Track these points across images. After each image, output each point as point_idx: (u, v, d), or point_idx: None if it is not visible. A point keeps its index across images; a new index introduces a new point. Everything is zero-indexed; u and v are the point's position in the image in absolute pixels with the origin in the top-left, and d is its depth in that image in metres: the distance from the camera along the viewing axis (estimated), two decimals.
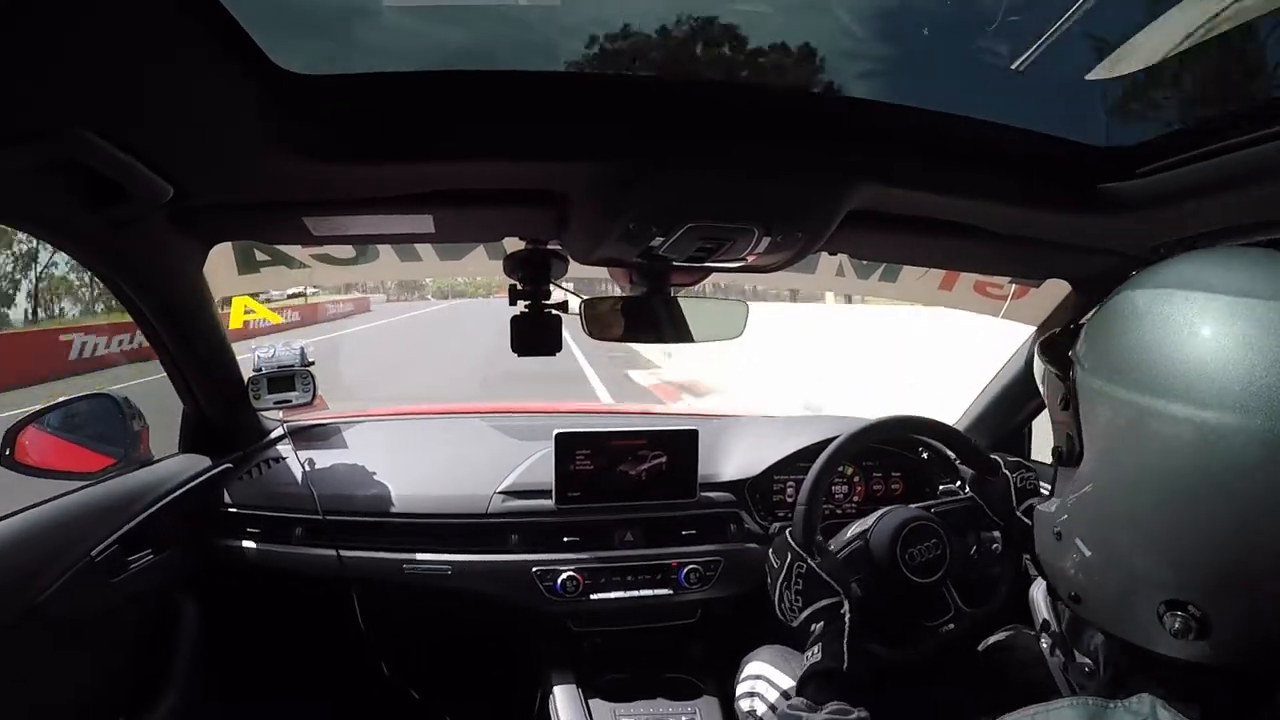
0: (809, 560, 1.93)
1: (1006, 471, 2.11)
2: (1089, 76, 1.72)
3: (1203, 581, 1.08)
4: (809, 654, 1.83)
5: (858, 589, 1.94)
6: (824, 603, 1.87)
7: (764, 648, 2.30)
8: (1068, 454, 1.32)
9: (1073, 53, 1.67)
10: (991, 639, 1.86)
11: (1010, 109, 1.78)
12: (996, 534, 2.12)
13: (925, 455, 3.04)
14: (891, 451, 3.13)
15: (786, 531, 2.03)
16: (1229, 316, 1.07)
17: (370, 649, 2.91)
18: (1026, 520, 1.77)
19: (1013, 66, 1.64)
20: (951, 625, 2.04)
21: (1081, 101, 1.82)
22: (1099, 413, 1.21)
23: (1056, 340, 1.39)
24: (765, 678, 2.18)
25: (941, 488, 2.48)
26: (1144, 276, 1.23)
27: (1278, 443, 0.99)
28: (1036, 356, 1.43)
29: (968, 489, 2.18)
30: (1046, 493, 1.49)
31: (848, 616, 1.82)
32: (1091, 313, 1.30)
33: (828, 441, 2.17)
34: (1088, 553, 1.25)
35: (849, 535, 2.14)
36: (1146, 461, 1.11)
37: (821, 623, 1.86)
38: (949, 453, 2.28)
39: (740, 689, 2.24)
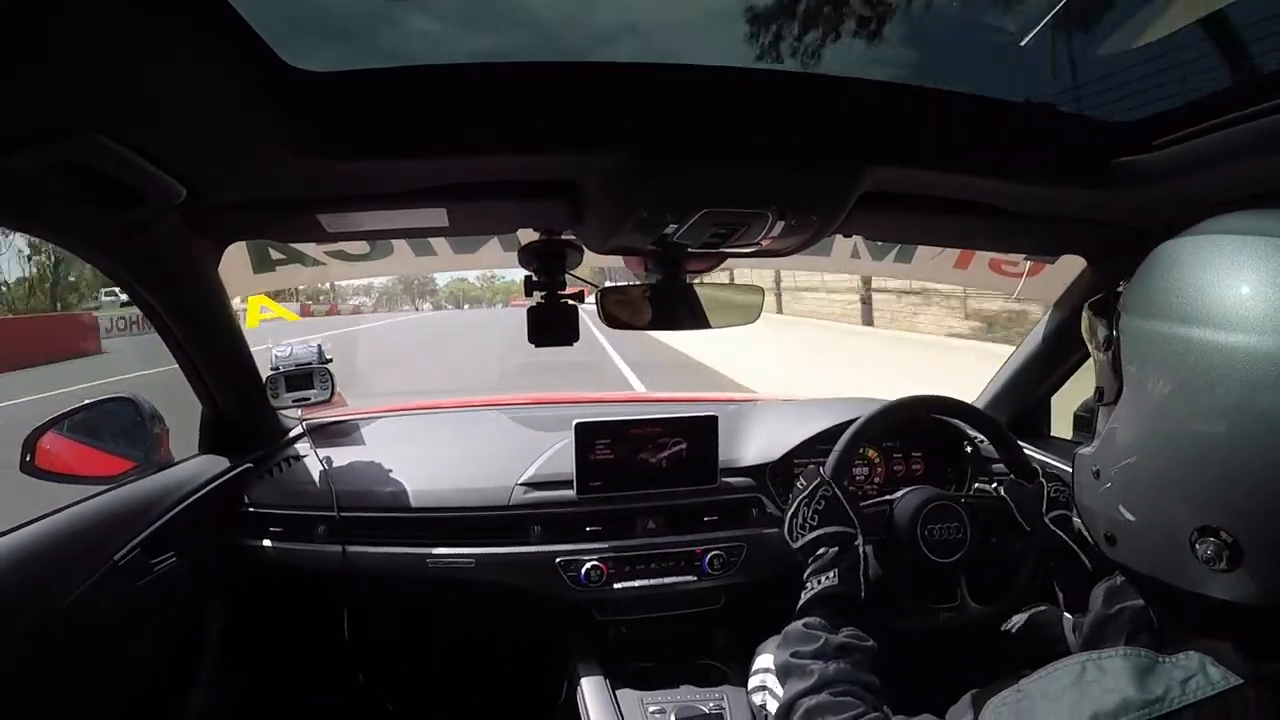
0: (836, 489, 1.97)
1: (1044, 480, 2.12)
2: (1100, 50, 1.71)
3: (1232, 504, 1.10)
4: (819, 579, 1.88)
5: (872, 544, 1.97)
6: (836, 529, 1.91)
7: (773, 638, 2.30)
8: (1108, 392, 1.34)
9: (1084, 27, 1.66)
10: (1016, 617, 1.86)
11: (1023, 86, 1.78)
12: (1020, 540, 2.12)
13: (970, 449, 3.03)
14: (911, 433, 3.13)
15: (818, 464, 2.06)
16: (1266, 253, 1.11)
17: (402, 642, 2.92)
18: (1055, 530, 1.77)
19: (1021, 43, 1.63)
20: (952, 614, 2.05)
21: (1094, 75, 1.81)
22: (1140, 347, 1.25)
23: (1104, 299, 1.41)
24: (774, 670, 2.19)
25: (976, 487, 2.48)
26: (1184, 233, 1.26)
27: None
28: (1085, 310, 1.45)
29: (1001, 490, 2.18)
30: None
31: (862, 549, 1.87)
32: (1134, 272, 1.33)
33: (847, 424, 2.17)
34: (1124, 486, 1.27)
35: (873, 503, 2.15)
36: (1182, 386, 1.15)
37: (826, 550, 1.90)
38: (993, 451, 2.29)
39: (751, 682, 2.23)
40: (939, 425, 3.02)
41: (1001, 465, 2.28)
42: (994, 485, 2.24)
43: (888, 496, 2.16)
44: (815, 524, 1.94)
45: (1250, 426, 1.07)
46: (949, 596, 2.08)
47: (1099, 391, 1.40)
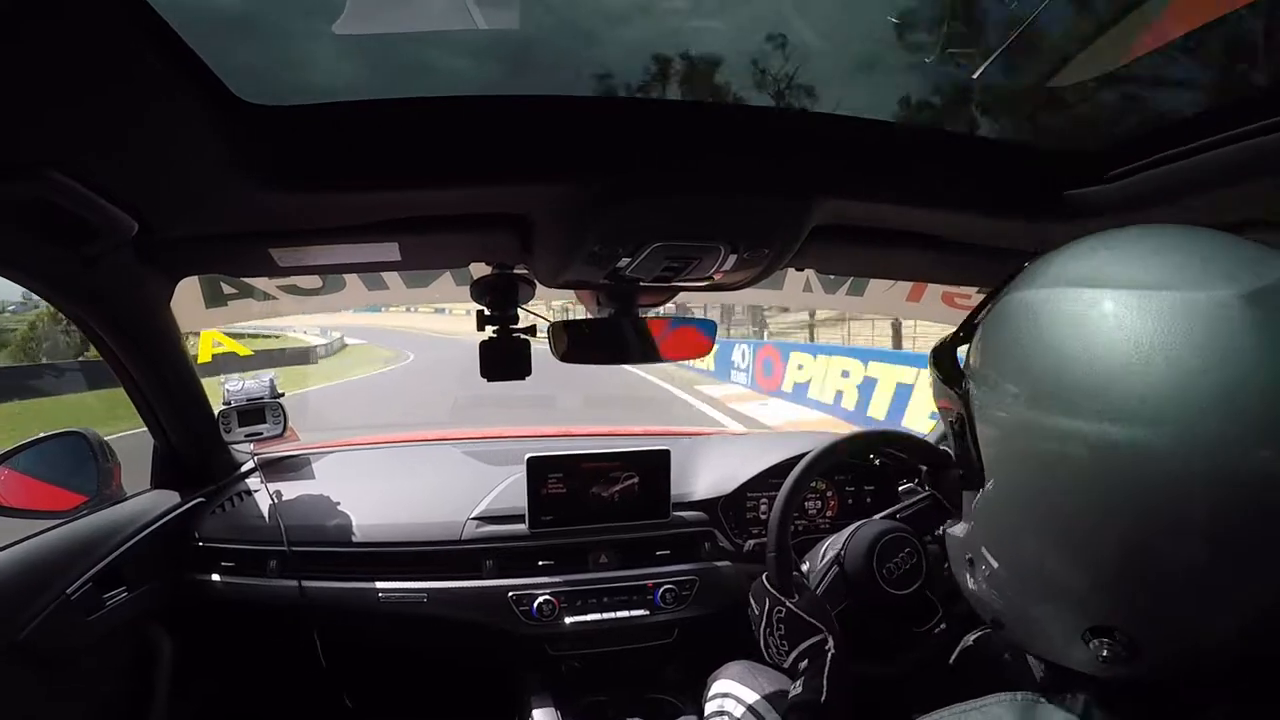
0: (786, 604, 1.94)
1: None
2: (1052, 83, 1.73)
3: (1127, 607, 1.03)
4: (794, 687, 1.85)
5: (840, 621, 1.94)
6: (808, 643, 1.88)
7: (730, 664, 2.30)
8: (969, 475, 1.25)
9: (1034, 60, 1.68)
10: (962, 644, 1.87)
11: (974, 119, 1.80)
12: None
13: (878, 461, 3.05)
14: (860, 464, 3.13)
15: (763, 576, 2.04)
16: (1120, 315, 0.98)
17: (341, 679, 2.90)
18: None
19: (973, 76, 1.65)
20: (942, 625, 2.05)
21: (1045, 108, 1.83)
22: (994, 431, 1.15)
23: (948, 347, 1.33)
24: (733, 695, 2.18)
25: (902, 488, 2.49)
26: (1036, 271, 1.16)
27: (1184, 457, 0.92)
28: (930, 367, 1.36)
29: (926, 486, 2.18)
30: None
31: (830, 653, 1.83)
32: (980, 314, 1.25)
33: (799, 458, 2.18)
34: (1002, 579, 1.20)
35: (822, 563, 2.14)
36: (1048, 484, 1.05)
37: (798, 663, 1.87)
38: (900, 455, 2.30)
39: (708, 708, 2.23)
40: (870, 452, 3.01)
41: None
42: (917, 481, 2.25)
43: (836, 550, 2.15)
44: (786, 649, 1.92)
45: (1132, 527, 0.97)
46: (930, 612, 2.08)
47: (958, 468, 1.30)
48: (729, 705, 2.15)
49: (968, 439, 1.23)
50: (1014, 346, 1.10)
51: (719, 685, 2.25)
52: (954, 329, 1.34)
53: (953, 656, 1.57)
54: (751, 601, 2.04)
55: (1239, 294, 0.93)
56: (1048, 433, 1.02)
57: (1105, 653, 1.04)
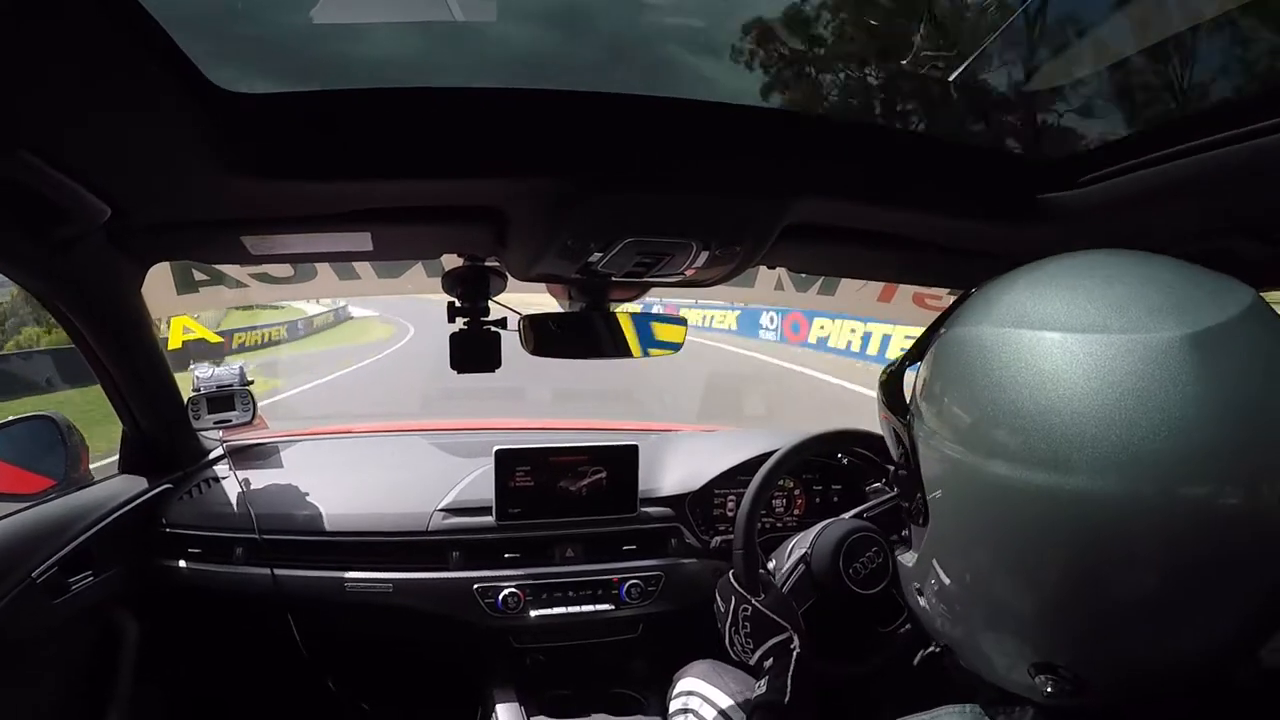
0: (753, 601, 1.95)
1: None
2: (1026, 89, 1.74)
3: (1071, 645, 1.04)
4: (758, 685, 1.85)
5: (806, 620, 1.94)
6: (773, 641, 1.88)
7: (695, 663, 2.31)
8: (914, 509, 1.25)
9: (1008, 65, 1.70)
10: (925, 651, 1.88)
11: (948, 122, 1.81)
12: None
13: (846, 460, 3.04)
14: (828, 462, 3.14)
15: (729, 574, 2.05)
16: (1064, 360, 0.97)
17: (315, 666, 2.89)
18: None
19: (950, 78, 1.66)
20: (908, 625, 2.06)
21: (1019, 113, 1.84)
22: (938, 469, 1.15)
23: (896, 375, 1.34)
24: (697, 693, 2.18)
25: (869, 488, 2.50)
26: (980, 304, 1.14)
27: (1128, 502, 0.92)
28: (878, 395, 1.36)
29: (894, 486, 2.18)
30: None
31: (795, 652, 1.84)
32: (926, 345, 1.24)
33: (766, 455, 2.18)
34: (950, 610, 1.20)
35: (789, 562, 2.14)
36: (991, 526, 1.05)
37: (771, 659, 1.87)
38: (868, 454, 2.30)
39: (672, 706, 2.24)
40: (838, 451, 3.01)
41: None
42: (885, 481, 2.26)
43: (802, 550, 2.14)
44: (752, 647, 1.93)
45: (1083, 570, 0.96)
46: (896, 612, 2.09)
47: (905, 510, 1.30)
48: (693, 703, 2.16)
49: (912, 472, 1.24)
50: (957, 386, 1.10)
51: (684, 683, 2.25)
52: (904, 353, 1.34)
53: (916, 659, 1.59)
54: (717, 598, 2.05)
55: (1186, 334, 0.93)
56: (988, 476, 1.03)
57: (1050, 688, 1.05)
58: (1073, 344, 0.97)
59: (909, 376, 1.32)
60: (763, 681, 1.85)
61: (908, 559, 1.33)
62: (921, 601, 1.28)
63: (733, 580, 2.02)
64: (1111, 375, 0.94)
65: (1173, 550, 0.93)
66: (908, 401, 1.27)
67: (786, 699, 1.78)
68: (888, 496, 2.22)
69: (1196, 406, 0.91)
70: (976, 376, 1.06)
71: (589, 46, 1.72)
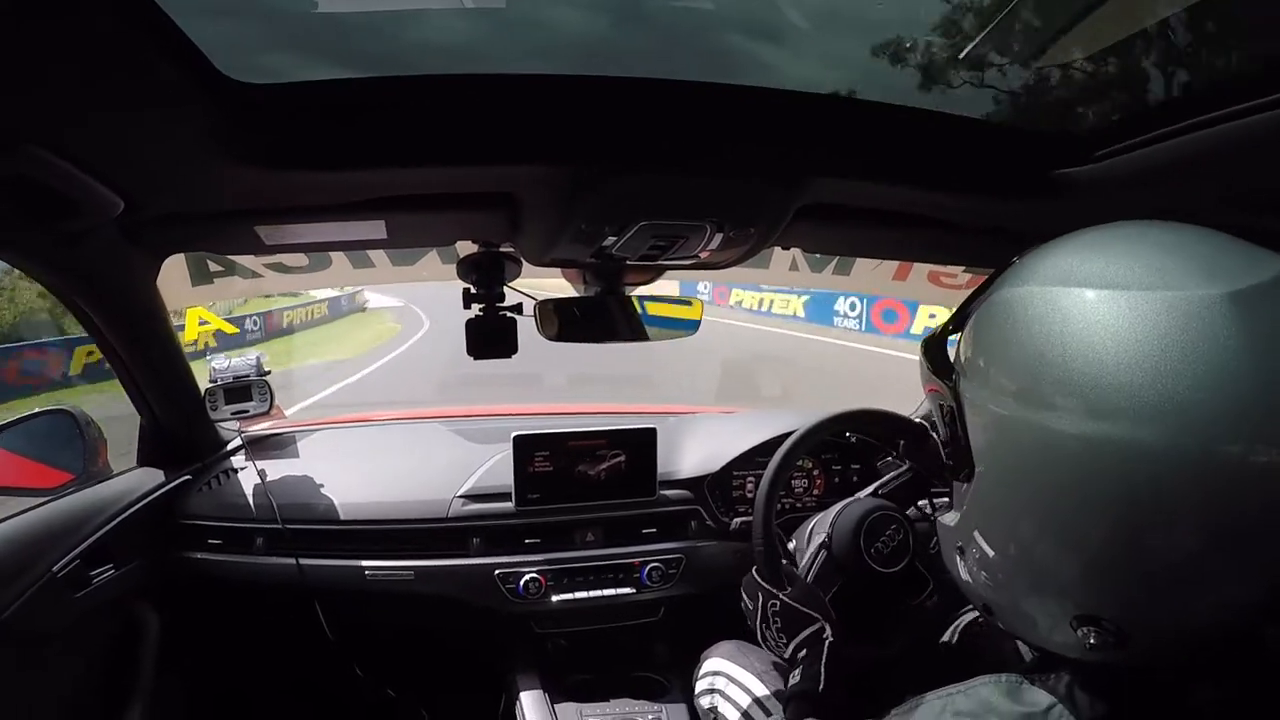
0: (780, 596, 1.94)
1: (935, 434, 2.06)
2: (1039, 63, 1.73)
3: (1115, 597, 1.06)
4: (792, 675, 1.85)
5: (834, 604, 1.94)
6: (806, 633, 1.87)
7: (721, 643, 2.31)
8: (958, 466, 1.27)
9: (1021, 40, 1.68)
10: (960, 621, 1.86)
11: (961, 98, 1.79)
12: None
13: (854, 439, 3.04)
14: (846, 442, 3.14)
15: (753, 570, 2.04)
16: (1106, 314, 1.01)
17: (339, 653, 2.90)
18: None
19: (960, 55, 1.65)
20: (935, 597, 2.05)
21: (1033, 88, 1.83)
22: (986, 426, 1.18)
23: (940, 340, 1.35)
24: (724, 673, 2.19)
25: (879, 463, 2.49)
26: (1024, 268, 1.18)
27: (1171, 454, 0.95)
28: (920, 359, 1.37)
29: (905, 460, 2.18)
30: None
31: (828, 640, 1.83)
32: (970, 309, 1.27)
33: (784, 436, 2.18)
34: (993, 568, 1.22)
35: (810, 548, 2.14)
36: (1037, 478, 1.08)
37: (805, 650, 1.86)
38: (873, 431, 2.30)
39: (699, 686, 2.24)
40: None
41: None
42: (894, 456, 2.26)
43: (823, 534, 2.12)
44: (785, 640, 1.92)
45: (1117, 521, 1.00)
46: (922, 584, 2.08)
47: (950, 467, 1.32)
48: (719, 683, 2.16)
49: (957, 429, 1.25)
50: (1003, 343, 1.12)
51: (710, 663, 2.26)
52: (944, 319, 1.35)
53: (952, 636, 1.57)
54: (744, 597, 2.05)
55: (1223, 293, 0.95)
56: (1036, 429, 1.04)
57: (1093, 640, 1.06)
58: (1117, 300, 1.00)
59: (951, 341, 1.35)
60: (797, 671, 1.84)
61: (949, 518, 1.36)
62: (962, 564, 1.31)
63: (757, 577, 2.02)
64: (1155, 329, 0.96)
65: (1211, 502, 0.95)
66: (952, 362, 1.29)
67: (821, 686, 1.78)
68: (901, 470, 2.21)
69: (1236, 361, 0.93)
70: (1022, 334, 1.09)
71: (600, 30, 1.71)
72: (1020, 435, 1.09)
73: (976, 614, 1.70)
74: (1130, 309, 0.98)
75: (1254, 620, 1.08)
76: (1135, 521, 0.99)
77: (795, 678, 1.83)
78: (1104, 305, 1.01)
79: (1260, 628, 1.10)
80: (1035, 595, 1.17)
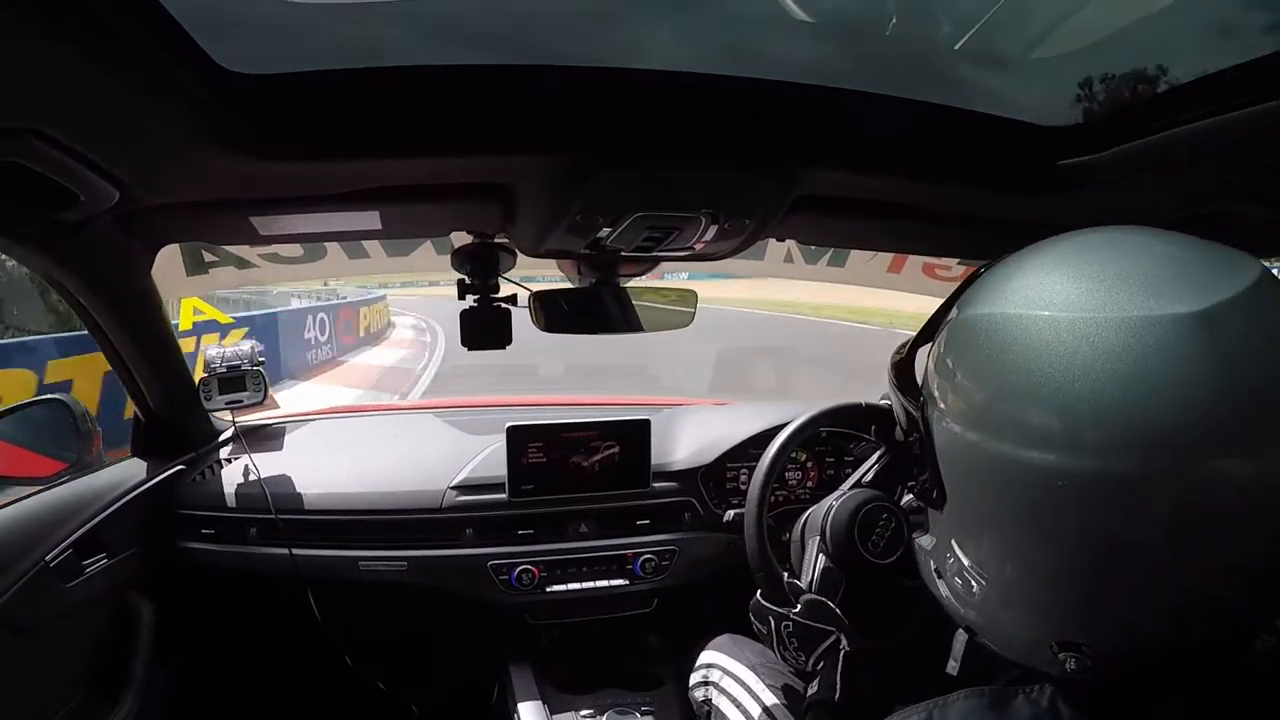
0: (790, 616, 1.94)
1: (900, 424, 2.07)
2: (1039, 53, 1.73)
3: (1090, 622, 1.06)
4: (810, 686, 1.87)
5: (843, 608, 1.92)
6: (823, 646, 1.88)
7: (717, 637, 2.32)
8: (929, 490, 1.26)
9: (1021, 30, 1.68)
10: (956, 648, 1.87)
11: (960, 90, 1.79)
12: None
13: (824, 434, 3.07)
14: (839, 436, 3.13)
15: (758, 595, 2.05)
16: (1073, 341, 0.98)
17: (331, 644, 2.90)
18: None
19: (955, 46, 1.65)
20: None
21: (1034, 78, 1.83)
22: (952, 450, 1.16)
23: (908, 358, 1.35)
24: (718, 666, 2.20)
25: (853, 448, 2.49)
26: (990, 287, 1.15)
27: (1145, 482, 0.94)
28: (889, 373, 1.37)
29: (881, 444, 2.17)
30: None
31: (843, 650, 1.83)
32: (936, 329, 1.25)
33: (778, 428, 2.19)
34: (971, 592, 1.21)
35: (808, 555, 2.15)
36: (1008, 507, 1.06)
37: (824, 662, 1.88)
38: (843, 426, 2.30)
39: (693, 678, 2.25)
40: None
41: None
42: (867, 442, 2.26)
43: (816, 536, 2.15)
44: (804, 657, 1.93)
45: (1103, 551, 0.98)
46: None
47: (923, 493, 1.31)
48: (714, 675, 2.17)
49: (927, 454, 1.24)
50: (970, 369, 1.11)
51: (705, 656, 2.27)
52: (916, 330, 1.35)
53: (955, 665, 1.58)
54: (755, 622, 2.05)
55: (1193, 311, 0.94)
56: (1003, 459, 1.03)
57: (1073, 665, 1.05)
58: (1082, 326, 0.97)
59: (920, 356, 1.33)
60: (815, 681, 1.86)
61: (925, 541, 1.34)
62: (941, 584, 1.29)
63: (763, 601, 2.03)
64: (1122, 356, 0.94)
65: (1183, 526, 0.94)
66: (919, 383, 1.28)
67: (837, 695, 1.79)
68: (879, 453, 2.21)
69: (1207, 384, 0.92)
70: (989, 359, 1.07)
71: (594, 21, 1.71)
72: (986, 462, 1.08)
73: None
74: (1097, 335, 0.97)
75: (1235, 630, 1.08)
76: (1104, 547, 0.99)
77: (814, 688, 1.85)
78: (1069, 332, 0.99)
79: (1244, 638, 1.09)
80: (1015, 620, 1.16)
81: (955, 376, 1.14)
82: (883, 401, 2.13)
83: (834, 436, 3.12)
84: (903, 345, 1.37)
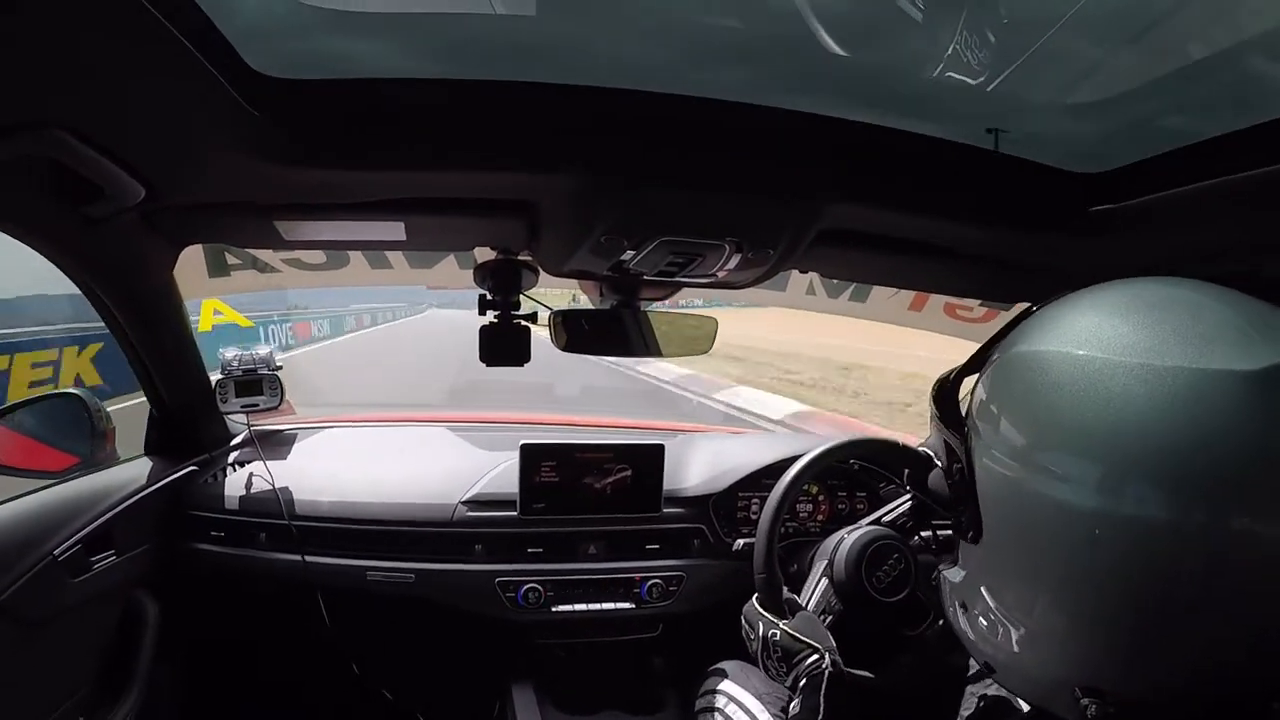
0: (780, 626, 1.95)
1: (938, 463, 2.05)
2: (1070, 100, 1.72)
3: (1118, 669, 1.06)
4: (792, 705, 1.85)
5: (833, 631, 1.92)
6: (806, 663, 1.87)
7: (725, 663, 2.30)
8: (966, 523, 1.25)
9: (1054, 75, 1.67)
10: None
11: (991, 132, 1.78)
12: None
13: (857, 466, 3.05)
14: (852, 470, 3.12)
15: (754, 598, 2.06)
16: (1126, 387, 0.99)
17: (336, 652, 2.90)
18: None
19: (989, 89, 1.64)
20: (935, 626, 2.05)
21: (1066, 123, 1.82)
22: (993, 485, 1.16)
23: (952, 387, 1.34)
24: (725, 693, 2.18)
25: (882, 489, 2.49)
26: (1045, 324, 1.16)
27: (1187, 535, 0.94)
28: (930, 407, 1.36)
29: (908, 487, 2.17)
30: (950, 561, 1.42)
31: (826, 670, 1.82)
32: (983, 361, 1.26)
33: (792, 459, 2.18)
34: (996, 630, 1.21)
35: (813, 577, 2.15)
36: (1045, 547, 1.07)
37: (805, 680, 1.85)
38: (876, 460, 2.30)
39: (699, 704, 2.24)
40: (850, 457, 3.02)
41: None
42: (898, 485, 2.26)
43: (824, 561, 2.15)
44: (785, 670, 1.93)
45: (1137, 599, 1.00)
46: (922, 615, 2.07)
47: (957, 524, 1.31)
48: (719, 702, 2.16)
49: (967, 487, 1.23)
50: (1018, 406, 1.12)
51: (711, 682, 2.26)
52: (956, 364, 1.34)
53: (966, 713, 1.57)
54: (745, 625, 2.07)
55: (1245, 370, 0.94)
56: (1043, 498, 1.04)
57: (1093, 711, 1.05)
58: (1134, 371, 0.98)
59: (965, 388, 1.32)
60: (796, 701, 1.84)
61: (953, 574, 1.34)
62: (964, 619, 1.30)
63: (758, 606, 2.03)
64: (1170, 405, 0.95)
65: (1213, 580, 0.94)
66: (963, 415, 1.27)
67: (819, 717, 1.77)
68: (904, 499, 2.21)
69: (1253, 442, 0.92)
70: (1035, 397, 1.07)
71: (626, 44, 1.70)
72: (1027, 500, 1.08)
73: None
74: (1145, 381, 0.97)
75: (1259, 697, 1.07)
76: (1139, 595, 0.99)
77: (795, 709, 1.83)
78: (1121, 375, 0.99)
79: (1265, 703, 1.08)
80: (1038, 662, 1.16)
81: (1002, 410, 1.15)
82: (920, 448, 2.13)
83: (848, 473, 3.11)
84: (945, 376, 1.36)
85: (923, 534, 2.15)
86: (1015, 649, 1.18)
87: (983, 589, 1.23)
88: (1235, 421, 0.93)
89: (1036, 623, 1.13)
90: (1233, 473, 0.92)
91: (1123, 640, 1.03)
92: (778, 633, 1.94)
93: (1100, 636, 1.05)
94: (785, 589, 2.08)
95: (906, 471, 2.08)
